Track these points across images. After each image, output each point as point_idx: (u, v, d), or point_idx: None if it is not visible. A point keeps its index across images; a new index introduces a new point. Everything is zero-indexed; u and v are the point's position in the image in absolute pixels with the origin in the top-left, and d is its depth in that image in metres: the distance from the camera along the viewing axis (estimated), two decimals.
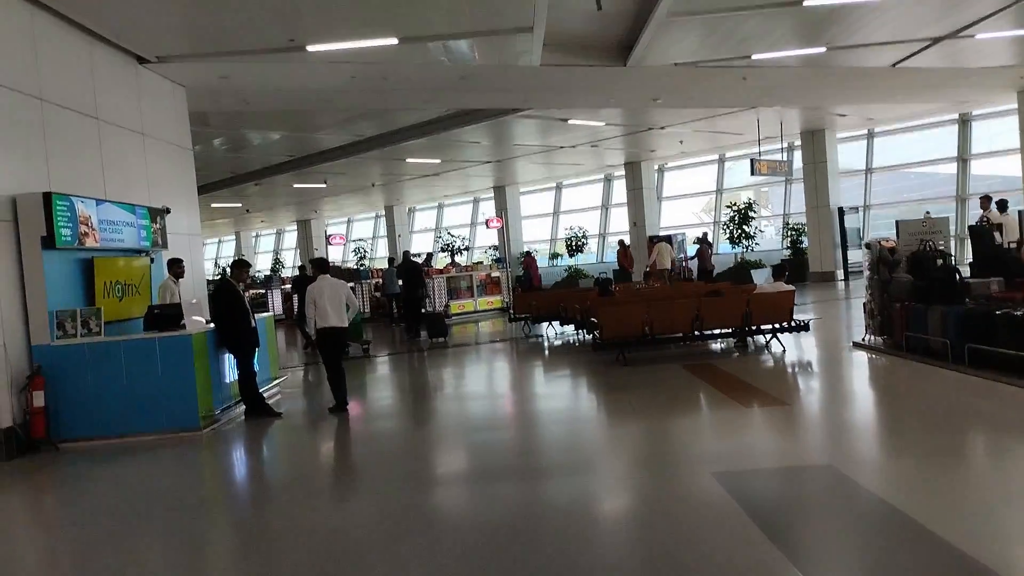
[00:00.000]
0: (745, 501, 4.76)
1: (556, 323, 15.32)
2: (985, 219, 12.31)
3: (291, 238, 44.08)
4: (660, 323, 10.54)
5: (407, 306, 16.98)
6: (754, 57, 13.48)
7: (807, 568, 3.81)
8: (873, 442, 6.21)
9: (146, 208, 9.83)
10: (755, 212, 24.57)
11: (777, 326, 10.54)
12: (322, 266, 9.10)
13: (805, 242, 24.24)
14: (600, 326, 10.69)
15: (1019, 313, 7.13)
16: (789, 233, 25.05)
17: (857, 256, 23.12)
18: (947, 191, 23.11)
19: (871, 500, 4.70)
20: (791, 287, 10.79)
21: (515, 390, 10.23)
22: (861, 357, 9.82)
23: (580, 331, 14.09)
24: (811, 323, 10.80)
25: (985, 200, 13.01)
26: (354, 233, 41.67)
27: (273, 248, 46.63)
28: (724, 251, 26.23)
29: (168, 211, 10.41)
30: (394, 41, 10.57)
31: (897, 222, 10.42)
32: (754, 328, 10.54)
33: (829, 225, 22.99)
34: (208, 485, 6.80)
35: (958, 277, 8.84)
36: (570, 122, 19.28)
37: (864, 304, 10.35)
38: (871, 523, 4.34)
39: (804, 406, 7.71)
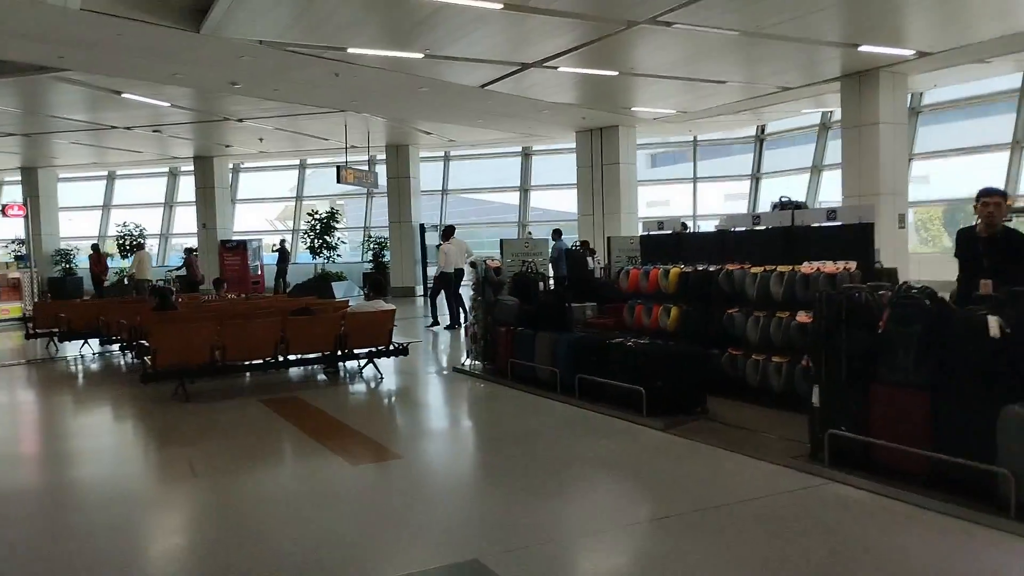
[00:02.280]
0: None
1: (96, 341, 12.18)
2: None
3: None
4: (236, 347, 8.50)
5: None
6: (350, 50, 12.23)
7: None
8: (513, 513, 4.89)
9: None
10: (337, 222, 23.55)
11: (375, 350, 9.28)
12: None
13: (387, 256, 23.90)
14: (153, 350, 8.21)
15: (631, 344, 6.84)
16: (372, 246, 24.55)
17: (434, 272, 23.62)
18: (510, 218, 24.93)
19: None
20: (391, 306, 9.59)
21: (18, 443, 7.22)
22: (466, 386, 8.94)
23: (128, 352, 11.15)
24: (408, 346, 9.73)
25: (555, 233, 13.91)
26: None
27: None
28: (304, 260, 24.78)
29: None
30: None
31: (501, 240, 9.98)
32: (348, 352, 9.13)
33: (411, 241, 22.95)
34: None
35: (566, 303, 8.49)
36: (124, 96, 15.82)
37: (467, 327, 9.63)
38: None
39: (419, 457, 6.30)
